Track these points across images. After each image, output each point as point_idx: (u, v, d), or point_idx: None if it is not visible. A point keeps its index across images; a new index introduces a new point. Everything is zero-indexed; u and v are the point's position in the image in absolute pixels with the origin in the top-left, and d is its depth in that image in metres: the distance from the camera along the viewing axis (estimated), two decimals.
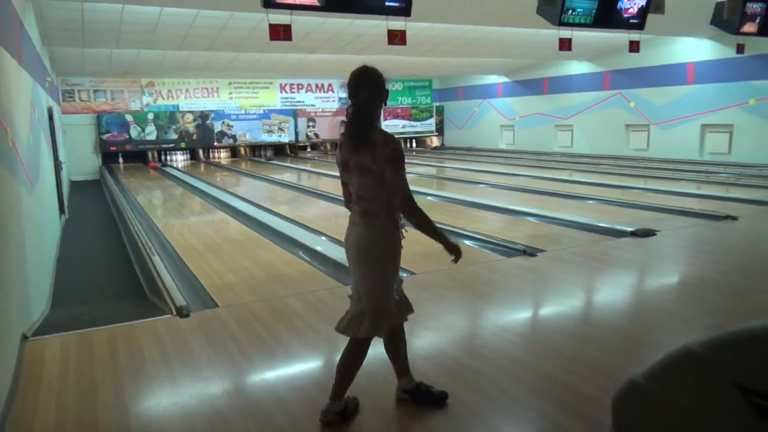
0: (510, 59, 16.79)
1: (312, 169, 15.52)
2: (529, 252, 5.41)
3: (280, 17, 6.30)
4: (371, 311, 2.41)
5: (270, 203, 9.44)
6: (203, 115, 18.96)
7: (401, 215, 2.45)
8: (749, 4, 7.78)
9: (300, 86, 20.69)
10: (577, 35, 8.57)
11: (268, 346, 3.46)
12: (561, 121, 17.82)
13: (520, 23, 10.17)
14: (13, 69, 4.50)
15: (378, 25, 6.62)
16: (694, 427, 2.11)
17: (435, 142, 23.11)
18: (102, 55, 12.79)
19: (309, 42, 11.55)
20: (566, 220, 6.88)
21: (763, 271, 4.89)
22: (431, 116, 22.92)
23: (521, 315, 4.08)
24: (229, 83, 19.29)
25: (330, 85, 21.22)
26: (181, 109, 18.67)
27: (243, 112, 19.71)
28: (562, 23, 6.37)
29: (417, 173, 13.14)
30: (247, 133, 19.84)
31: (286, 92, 20.51)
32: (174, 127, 18.61)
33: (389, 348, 2.67)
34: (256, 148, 20.17)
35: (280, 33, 6.24)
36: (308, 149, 21.07)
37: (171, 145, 18.69)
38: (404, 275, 4.72)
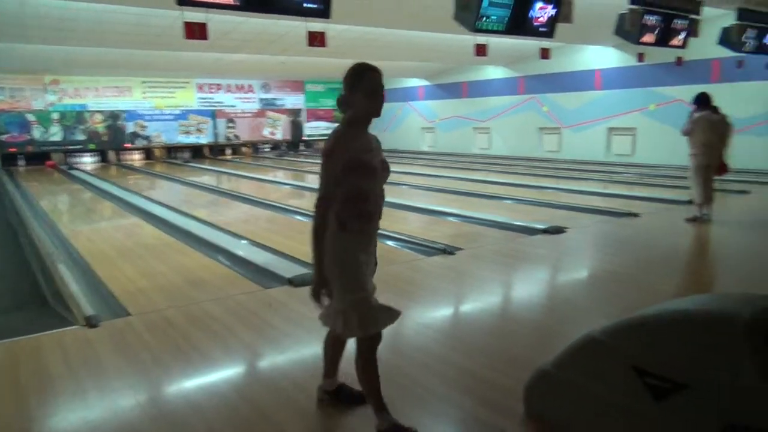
0: (430, 63, 17.17)
1: (232, 172, 15.13)
2: (449, 251, 5.55)
3: (196, 15, 6.10)
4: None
5: (187, 207, 9.11)
6: (114, 115, 18.04)
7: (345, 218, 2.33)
8: (647, 16, 8.37)
9: (219, 86, 20.14)
10: (493, 41, 8.89)
11: (185, 353, 3.34)
12: (479, 124, 18.43)
13: (438, 28, 10.43)
14: None
15: (299, 26, 6.55)
16: (596, 407, 2.26)
17: None
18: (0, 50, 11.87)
19: (228, 41, 11.27)
20: (484, 219, 7.13)
21: (658, 263, 5.29)
22: None
23: (442, 312, 4.18)
24: (143, 82, 18.44)
25: (250, 85, 20.80)
26: (89, 109, 17.65)
27: (158, 112, 18.92)
28: (477, 29, 6.57)
29: None
30: (163, 134, 19.07)
31: (204, 92, 19.90)
32: (82, 127, 17.59)
33: (330, 347, 2.62)
34: (172, 150, 19.37)
35: (196, 32, 6.04)
36: (228, 151, 20.54)
37: (79, 147, 17.63)
38: None
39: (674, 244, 6.08)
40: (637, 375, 2.04)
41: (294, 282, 4.48)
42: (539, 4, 6.97)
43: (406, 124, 21.32)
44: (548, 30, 7.23)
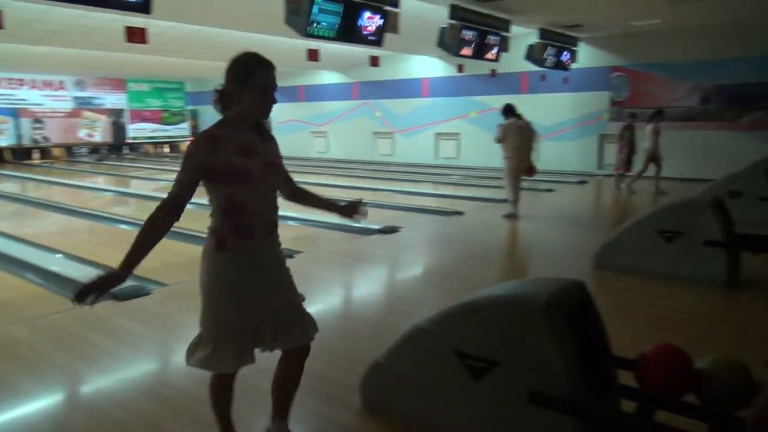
0: None
1: (41, 178, 13.47)
2: (288, 254, 5.52)
3: None
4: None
5: None
6: None
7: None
8: (465, 31, 9.18)
9: (22, 81, 17.80)
10: (325, 47, 9.06)
11: None
12: (317, 128, 18.61)
13: (270, 31, 10.32)
14: None
15: (115, 20, 6.05)
16: (422, 392, 2.44)
17: None
18: None
19: (30, 32, 10.03)
20: (322, 221, 7.22)
21: (479, 255, 5.85)
22: (184, 120, 21.79)
23: None
24: None
25: (61, 82, 18.69)
26: None
27: None
28: (309, 35, 6.65)
29: (168, 180, 12.37)
30: None
31: (3, 87, 17.45)
32: None
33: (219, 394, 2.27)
34: None
35: None
36: (35, 155, 18.22)
37: None
38: (154, 287, 4.41)
39: (493, 239, 6.73)
40: (458, 358, 2.24)
41: (119, 297, 4.14)
42: (367, 14, 7.27)
43: None
44: (377, 39, 7.58)
